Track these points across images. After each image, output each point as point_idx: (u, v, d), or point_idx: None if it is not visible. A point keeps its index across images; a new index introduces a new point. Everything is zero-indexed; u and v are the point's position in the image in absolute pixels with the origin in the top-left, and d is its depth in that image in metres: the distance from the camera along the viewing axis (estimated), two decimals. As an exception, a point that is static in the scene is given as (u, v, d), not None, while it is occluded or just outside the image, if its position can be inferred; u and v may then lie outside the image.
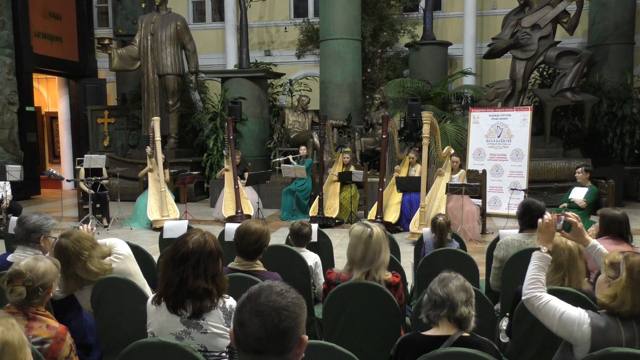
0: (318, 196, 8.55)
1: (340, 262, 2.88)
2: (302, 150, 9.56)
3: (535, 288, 2.18)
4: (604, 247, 2.55)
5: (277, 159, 9.89)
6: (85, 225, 3.10)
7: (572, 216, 2.46)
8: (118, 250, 2.91)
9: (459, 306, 2.04)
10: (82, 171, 8.61)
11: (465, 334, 2.06)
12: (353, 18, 10.77)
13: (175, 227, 4.44)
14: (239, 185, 8.78)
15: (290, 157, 9.65)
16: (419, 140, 8.68)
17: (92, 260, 2.72)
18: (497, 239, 3.87)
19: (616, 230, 3.32)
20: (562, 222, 2.41)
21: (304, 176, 8.98)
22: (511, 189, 8.40)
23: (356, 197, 8.74)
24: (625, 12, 11.18)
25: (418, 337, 2.12)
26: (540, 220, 2.35)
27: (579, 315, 2.06)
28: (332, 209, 8.58)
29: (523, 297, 2.22)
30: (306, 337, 1.28)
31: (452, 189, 7.20)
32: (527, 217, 3.51)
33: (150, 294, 2.57)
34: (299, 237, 3.71)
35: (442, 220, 4.00)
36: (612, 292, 2.03)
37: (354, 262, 2.72)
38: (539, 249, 2.30)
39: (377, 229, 2.69)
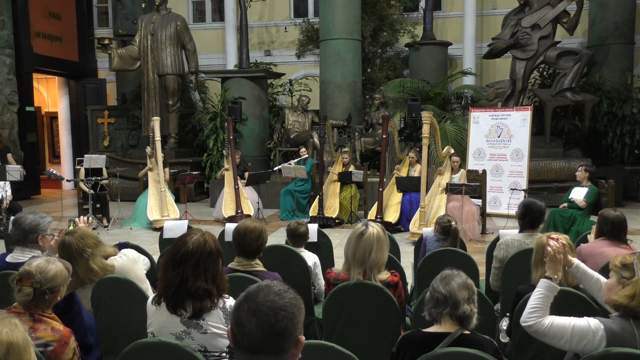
0: (318, 196, 8.54)
1: (340, 262, 2.89)
2: (303, 151, 9.53)
3: (536, 317, 2.12)
4: (602, 249, 2.54)
5: (279, 166, 9.58)
6: (81, 217, 3.10)
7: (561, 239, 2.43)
8: (125, 251, 2.91)
9: (461, 304, 2.05)
10: (82, 171, 8.61)
11: (466, 332, 2.07)
12: (353, 18, 10.76)
13: (175, 227, 4.44)
14: (239, 185, 8.77)
15: (292, 162, 9.35)
16: (419, 140, 8.67)
17: (94, 258, 2.72)
18: (497, 239, 3.87)
19: (612, 232, 3.31)
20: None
21: (304, 176, 8.97)
22: (511, 189, 8.40)
23: (356, 197, 8.73)
24: (625, 12, 11.18)
25: (419, 334, 2.14)
26: (549, 248, 2.28)
27: (588, 324, 2.03)
28: (332, 209, 8.57)
29: (524, 325, 2.15)
30: (303, 337, 1.28)
31: (452, 189, 7.19)
32: (528, 218, 3.51)
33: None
34: (295, 236, 3.70)
35: (455, 225, 3.97)
36: (631, 292, 2.00)
37: (348, 260, 2.75)
38: (548, 277, 2.22)
39: (372, 229, 2.69)
